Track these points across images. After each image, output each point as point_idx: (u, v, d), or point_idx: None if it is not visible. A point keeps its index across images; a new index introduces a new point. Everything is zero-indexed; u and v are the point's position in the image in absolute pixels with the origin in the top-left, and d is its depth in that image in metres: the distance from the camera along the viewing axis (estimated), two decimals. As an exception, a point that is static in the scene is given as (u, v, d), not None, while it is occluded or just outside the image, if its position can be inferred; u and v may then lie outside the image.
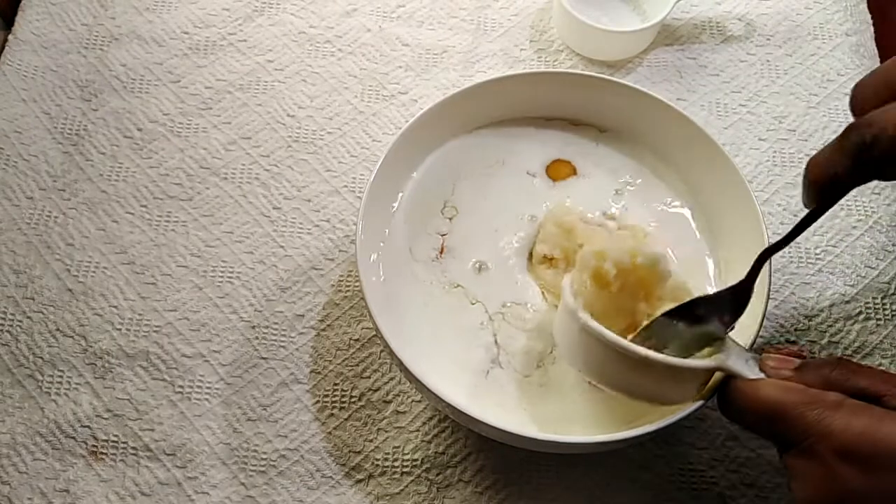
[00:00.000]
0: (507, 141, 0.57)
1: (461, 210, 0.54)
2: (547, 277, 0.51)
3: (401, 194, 0.54)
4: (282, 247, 0.59)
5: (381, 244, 0.52)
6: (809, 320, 0.56)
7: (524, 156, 0.56)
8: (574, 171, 0.56)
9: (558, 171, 0.56)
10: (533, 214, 0.54)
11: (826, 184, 0.40)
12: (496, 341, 0.50)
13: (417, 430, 0.52)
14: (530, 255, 0.52)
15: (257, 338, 0.55)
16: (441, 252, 0.52)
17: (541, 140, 0.57)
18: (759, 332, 0.46)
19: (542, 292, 0.51)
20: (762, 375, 0.40)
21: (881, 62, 0.67)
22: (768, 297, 0.47)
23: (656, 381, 0.42)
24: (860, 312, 0.56)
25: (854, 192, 0.60)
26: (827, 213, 0.60)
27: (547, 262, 0.52)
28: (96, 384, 0.53)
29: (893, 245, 0.59)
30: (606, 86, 0.55)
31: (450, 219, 0.54)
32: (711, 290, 0.51)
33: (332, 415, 0.53)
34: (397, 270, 0.52)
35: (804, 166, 0.41)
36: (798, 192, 0.61)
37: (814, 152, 0.63)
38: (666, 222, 0.54)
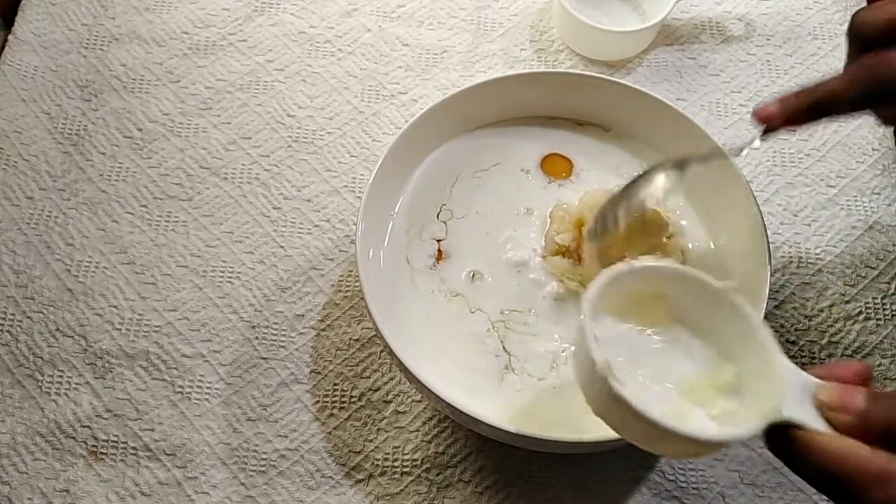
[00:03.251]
0: (507, 140, 0.57)
1: (456, 213, 0.54)
2: (562, 267, 0.51)
3: (401, 195, 0.54)
4: (282, 247, 0.59)
5: (381, 244, 0.52)
6: (809, 320, 0.56)
7: (521, 153, 0.56)
8: (570, 167, 0.56)
9: (554, 165, 0.56)
10: (529, 208, 0.54)
11: (820, 107, 0.43)
12: (504, 348, 0.49)
13: (417, 430, 0.52)
14: (545, 246, 0.52)
15: (257, 338, 0.55)
16: (438, 259, 0.52)
17: (541, 138, 0.57)
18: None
19: (563, 280, 0.51)
20: (820, 422, 0.34)
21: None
22: (768, 297, 0.47)
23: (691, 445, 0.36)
24: (860, 312, 0.56)
25: (854, 191, 0.61)
26: (827, 213, 0.60)
27: (561, 252, 0.52)
28: (96, 384, 0.53)
29: (893, 245, 0.59)
30: (607, 86, 0.55)
31: (445, 222, 0.54)
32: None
33: (332, 415, 0.53)
34: (398, 279, 0.51)
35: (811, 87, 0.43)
36: (798, 191, 0.61)
37: (814, 152, 0.64)
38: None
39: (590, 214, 0.51)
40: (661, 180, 0.47)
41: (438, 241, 0.53)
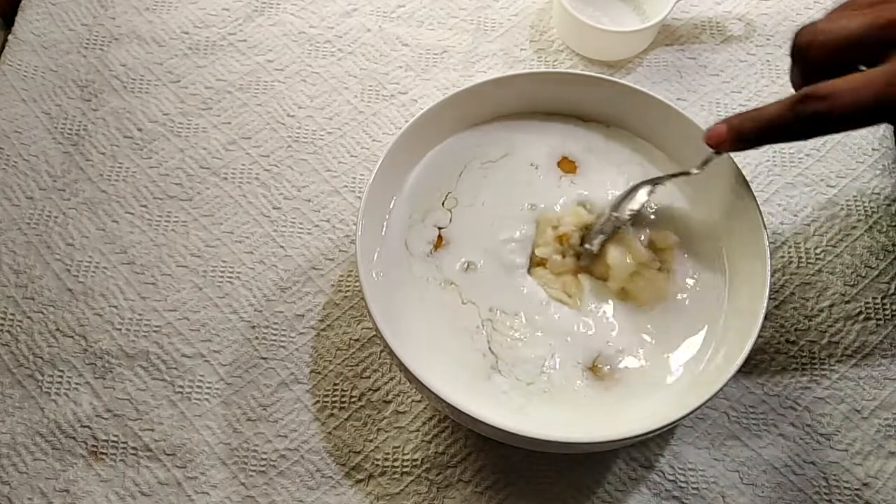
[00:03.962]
0: (514, 133, 0.56)
1: (461, 201, 0.54)
2: (544, 277, 0.51)
3: (401, 194, 0.54)
4: (282, 247, 0.59)
5: (381, 244, 0.52)
6: (809, 320, 0.56)
7: (529, 147, 0.56)
8: (574, 167, 0.56)
9: (565, 165, 0.56)
10: (533, 204, 0.53)
11: (764, 136, 0.43)
12: (490, 349, 0.49)
13: (417, 430, 0.52)
14: (531, 258, 0.52)
15: (257, 338, 0.55)
16: (436, 246, 0.52)
17: (546, 132, 0.56)
18: (758, 331, 0.46)
19: (545, 290, 0.51)
20: None
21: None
22: (768, 297, 0.47)
23: None
24: (860, 312, 0.56)
25: (854, 191, 0.61)
26: (827, 213, 0.60)
27: (542, 264, 0.51)
28: (96, 384, 0.53)
29: (893, 245, 0.59)
30: (606, 86, 0.55)
31: (450, 210, 0.53)
32: (712, 292, 0.51)
33: (332, 415, 0.53)
34: (395, 267, 0.51)
35: (742, 116, 0.44)
36: (798, 191, 0.61)
37: (814, 152, 0.64)
38: (668, 219, 0.54)
39: (576, 233, 0.51)
40: (640, 196, 0.51)
41: (440, 228, 0.53)
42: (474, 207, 0.54)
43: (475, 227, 0.53)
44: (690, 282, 0.51)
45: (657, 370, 0.48)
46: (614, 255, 0.50)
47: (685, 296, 0.51)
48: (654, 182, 0.51)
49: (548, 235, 0.51)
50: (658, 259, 0.51)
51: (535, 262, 0.52)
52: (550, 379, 0.48)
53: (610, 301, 0.50)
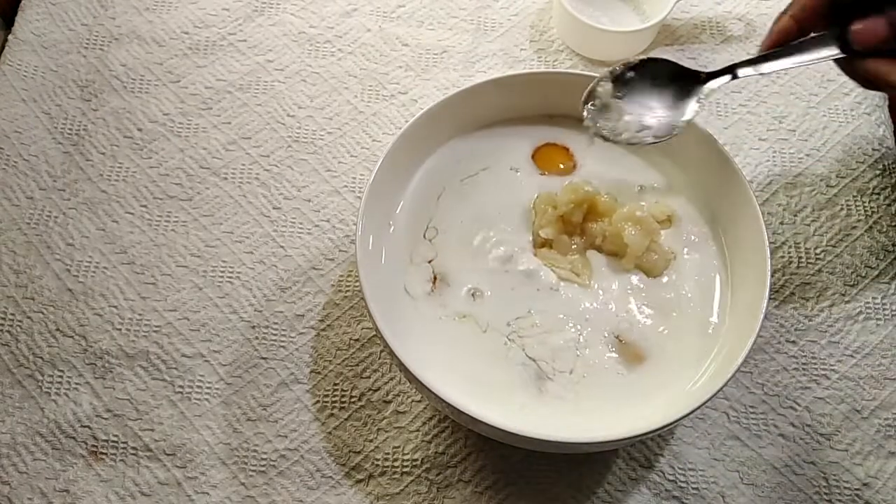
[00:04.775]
0: (505, 139, 0.56)
1: (441, 229, 0.53)
2: (551, 258, 0.51)
3: (400, 198, 0.54)
4: (282, 247, 0.59)
5: (382, 244, 0.52)
6: (809, 320, 0.56)
7: (514, 152, 0.55)
8: (571, 161, 0.55)
9: (549, 158, 0.55)
10: (512, 203, 0.53)
11: None
12: (527, 355, 0.49)
13: (417, 430, 0.52)
14: (534, 240, 0.52)
15: (257, 338, 0.55)
16: (434, 283, 0.51)
17: (542, 136, 0.56)
18: (758, 331, 0.46)
19: (553, 270, 0.51)
20: None
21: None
22: (768, 297, 0.47)
23: None
24: (860, 312, 0.56)
25: (854, 191, 0.61)
26: (827, 213, 0.60)
27: (547, 244, 0.52)
28: (96, 384, 0.53)
29: (893, 245, 0.59)
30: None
31: (430, 240, 0.53)
32: (713, 292, 0.51)
33: (332, 415, 0.53)
34: (399, 307, 0.50)
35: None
36: (798, 191, 0.61)
37: (814, 152, 0.64)
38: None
39: (577, 210, 0.51)
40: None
41: (430, 261, 0.52)
42: (454, 230, 0.53)
43: (460, 249, 0.52)
44: (691, 279, 0.51)
45: (673, 340, 0.49)
46: (631, 233, 0.50)
47: (686, 290, 0.51)
48: (758, 58, 0.49)
49: (549, 215, 0.52)
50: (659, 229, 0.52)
51: (539, 244, 0.52)
52: (587, 360, 0.48)
53: (620, 276, 0.51)
